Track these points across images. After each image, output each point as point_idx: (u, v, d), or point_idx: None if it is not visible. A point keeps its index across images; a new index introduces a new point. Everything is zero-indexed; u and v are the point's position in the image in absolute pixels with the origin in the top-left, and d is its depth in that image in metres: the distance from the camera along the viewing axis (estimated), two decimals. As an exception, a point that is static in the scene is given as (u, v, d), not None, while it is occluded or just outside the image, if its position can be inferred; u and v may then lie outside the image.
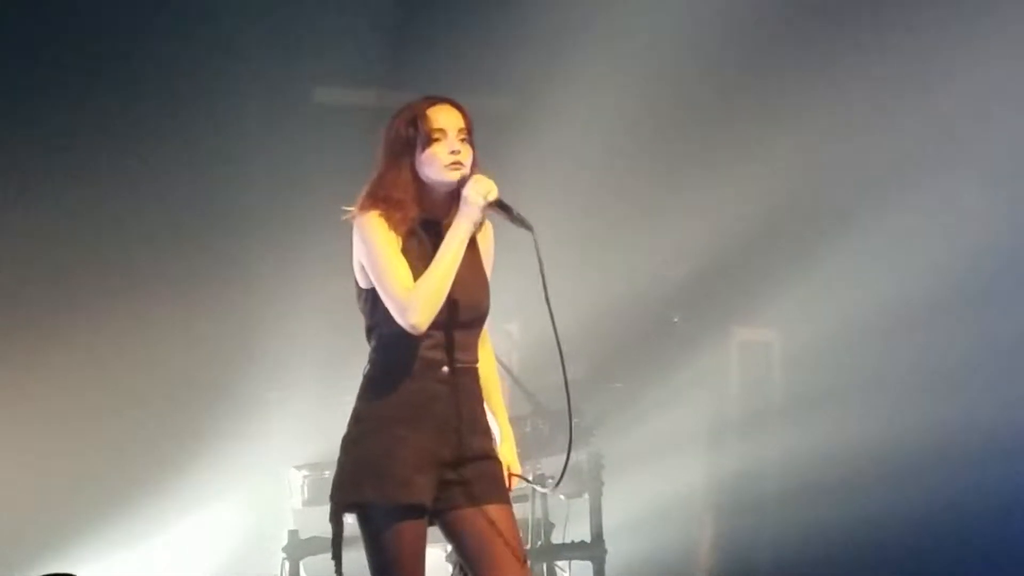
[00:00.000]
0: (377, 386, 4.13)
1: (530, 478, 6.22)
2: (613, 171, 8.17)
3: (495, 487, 4.16)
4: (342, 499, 4.10)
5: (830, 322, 7.74)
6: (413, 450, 4.06)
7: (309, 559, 6.70)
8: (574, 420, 6.62)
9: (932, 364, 7.55)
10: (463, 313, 4.14)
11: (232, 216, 8.04)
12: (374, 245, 4.08)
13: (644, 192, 8.32)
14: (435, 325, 4.06)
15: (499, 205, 4.11)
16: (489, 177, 4.14)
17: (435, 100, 4.18)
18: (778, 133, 7.83)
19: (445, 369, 4.12)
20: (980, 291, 7.43)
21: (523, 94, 8.30)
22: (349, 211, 4.15)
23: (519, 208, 4.15)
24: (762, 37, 7.98)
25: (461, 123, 4.15)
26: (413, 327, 4.02)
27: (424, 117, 4.12)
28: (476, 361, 4.23)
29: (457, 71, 8.07)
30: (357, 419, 4.15)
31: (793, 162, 7.77)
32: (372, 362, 4.17)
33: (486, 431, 4.22)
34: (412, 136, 4.12)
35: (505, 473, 4.26)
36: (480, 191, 4.09)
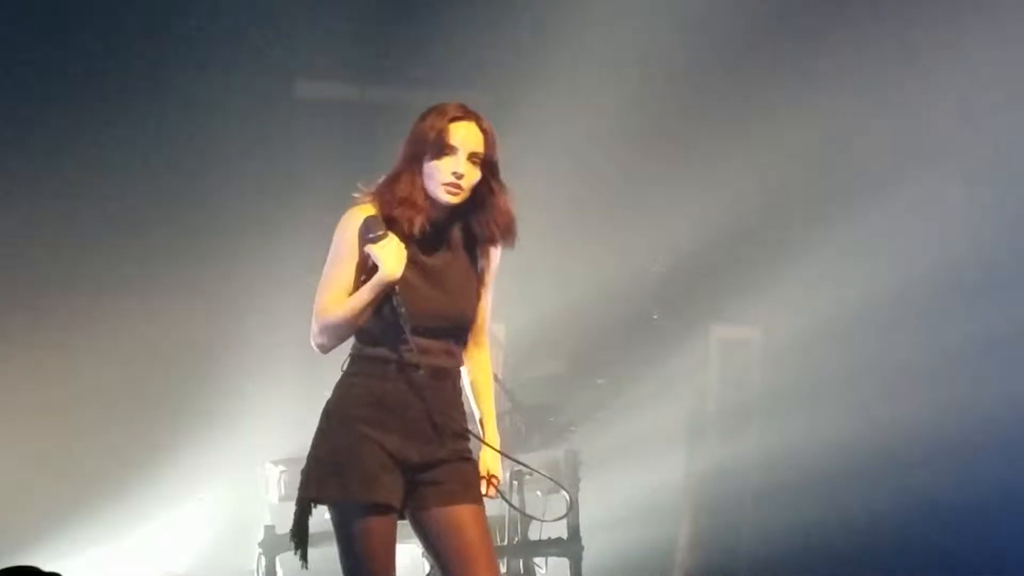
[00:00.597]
0: (352, 383, 4.13)
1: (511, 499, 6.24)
2: (593, 168, 8.17)
3: (467, 488, 4.15)
4: (306, 494, 4.11)
5: (809, 320, 7.75)
6: (379, 450, 4.05)
7: (285, 554, 6.68)
8: (551, 418, 6.67)
9: (911, 361, 7.57)
10: (444, 321, 4.14)
11: (212, 208, 8.02)
12: (335, 248, 4.11)
13: (624, 189, 8.32)
14: (415, 332, 4.06)
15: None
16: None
17: (463, 116, 4.13)
18: (758, 132, 7.83)
19: (422, 372, 4.11)
20: (960, 288, 7.44)
21: (504, 89, 8.28)
22: (357, 196, 4.15)
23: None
24: (744, 35, 7.97)
25: (478, 147, 4.11)
26: (317, 348, 4.11)
27: (445, 129, 4.09)
28: (458, 365, 4.22)
29: (438, 66, 8.07)
30: (328, 414, 4.14)
31: (773, 160, 7.77)
32: (351, 358, 4.17)
33: (459, 434, 4.19)
34: (429, 142, 4.09)
35: (484, 478, 4.24)
36: (398, 259, 4.05)
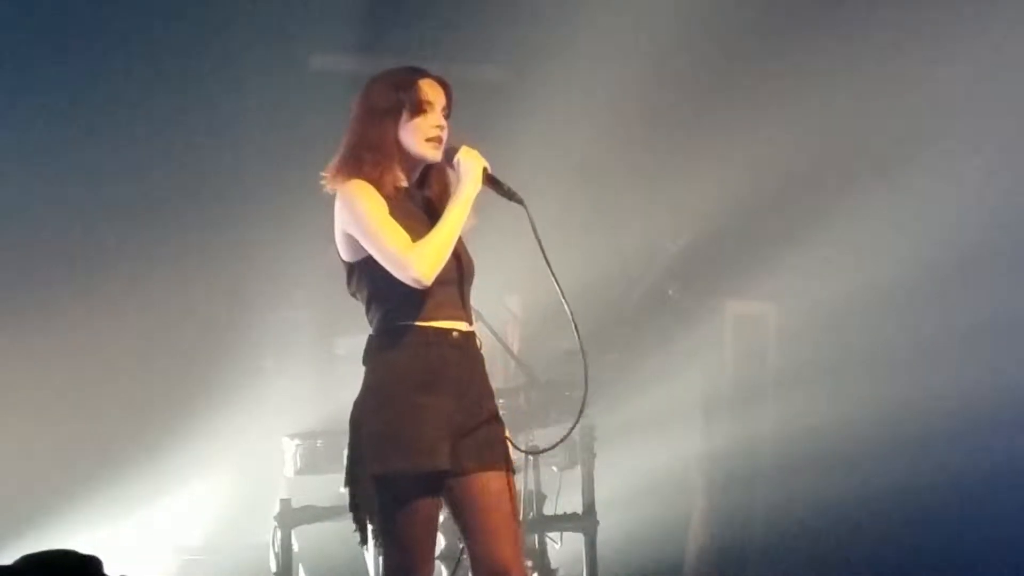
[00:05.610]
0: (392, 357, 4.12)
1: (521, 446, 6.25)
2: (609, 141, 8.13)
3: (501, 452, 4.18)
4: (366, 470, 4.07)
5: (825, 296, 7.73)
6: (435, 417, 4.07)
7: (301, 528, 6.70)
8: (568, 392, 6.66)
9: (928, 338, 7.54)
10: (453, 269, 4.16)
11: (226, 184, 8.02)
12: (363, 209, 4.08)
13: (640, 163, 8.29)
14: (439, 282, 4.08)
15: (491, 179, 4.14)
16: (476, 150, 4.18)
17: (423, 73, 4.22)
18: (778, 106, 7.78)
19: (456, 334, 4.14)
20: (979, 266, 7.41)
21: (519, 62, 8.26)
22: (325, 176, 4.17)
23: (512, 179, 4.17)
24: (766, 8, 7.93)
25: (444, 100, 4.20)
26: (417, 280, 4.03)
27: (415, 87, 4.15)
28: (472, 324, 4.25)
29: (453, 38, 8.04)
30: (372, 390, 4.13)
31: (792, 135, 7.73)
32: (380, 332, 4.16)
33: (492, 394, 4.25)
34: (400, 102, 4.15)
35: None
36: (476, 161, 4.13)
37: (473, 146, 4.19)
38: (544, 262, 4.13)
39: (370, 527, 4.14)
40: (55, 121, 7.72)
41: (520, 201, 4.15)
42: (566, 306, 4.14)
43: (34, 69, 7.72)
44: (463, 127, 4.27)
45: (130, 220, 7.90)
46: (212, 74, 7.96)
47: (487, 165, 4.15)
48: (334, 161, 4.18)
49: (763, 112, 7.80)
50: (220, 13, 7.90)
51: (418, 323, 4.10)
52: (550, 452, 6.66)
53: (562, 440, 4.31)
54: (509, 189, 4.17)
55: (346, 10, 8.07)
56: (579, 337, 4.17)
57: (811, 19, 7.76)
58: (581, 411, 4.22)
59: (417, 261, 4.02)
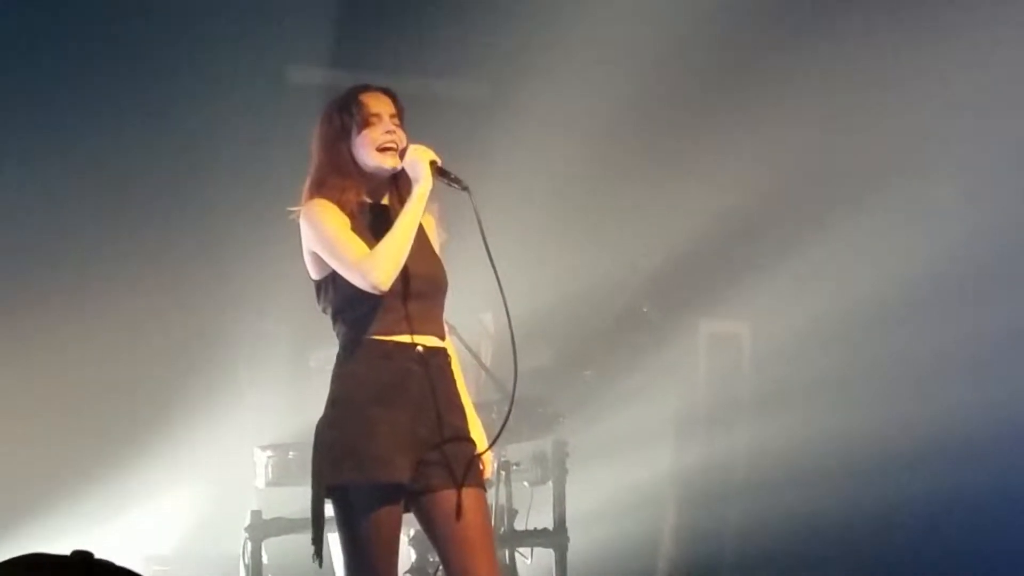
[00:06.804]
0: (350, 369, 4.14)
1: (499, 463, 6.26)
2: (587, 159, 8.16)
3: (471, 470, 4.17)
4: (322, 483, 4.09)
5: (800, 316, 7.76)
6: (391, 429, 4.06)
7: (271, 539, 6.69)
8: (539, 409, 6.67)
9: (901, 359, 7.58)
10: (417, 283, 4.16)
11: (203, 195, 8.00)
12: (323, 225, 4.11)
13: (618, 181, 8.32)
14: (395, 295, 4.09)
15: (438, 171, 4.14)
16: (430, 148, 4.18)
17: (367, 87, 4.25)
18: (753, 128, 7.83)
19: (419, 349, 4.14)
20: (952, 288, 7.45)
21: (499, 80, 8.28)
22: (295, 210, 4.20)
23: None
24: (742, 34, 7.97)
25: (393, 109, 4.22)
26: (375, 286, 4.04)
27: (358, 103, 4.19)
28: (443, 339, 4.24)
29: (432, 54, 8.06)
30: (333, 403, 4.15)
31: (767, 156, 7.78)
32: (343, 346, 4.18)
33: (461, 410, 4.24)
34: (347, 122, 4.18)
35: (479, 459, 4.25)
36: (422, 155, 4.13)
37: (439, 153, 4.19)
38: (485, 249, 4.10)
39: (332, 542, 4.14)
40: (17, 136, 7.71)
41: (465, 188, 4.12)
42: (500, 291, 4.12)
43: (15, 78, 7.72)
44: (441, 142, 4.27)
45: (103, 232, 7.87)
46: (188, 86, 7.95)
47: (435, 158, 4.15)
48: (303, 191, 4.21)
49: (739, 135, 7.85)
50: (196, 23, 7.89)
51: (378, 337, 4.12)
52: (522, 467, 6.76)
53: (501, 431, 4.25)
54: (455, 177, 4.14)
55: (325, 23, 8.08)
56: (509, 320, 4.15)
57: (784, 50, 7.81)
58: (511, 402, 4.18)
59: (372, 267, 4.02)
